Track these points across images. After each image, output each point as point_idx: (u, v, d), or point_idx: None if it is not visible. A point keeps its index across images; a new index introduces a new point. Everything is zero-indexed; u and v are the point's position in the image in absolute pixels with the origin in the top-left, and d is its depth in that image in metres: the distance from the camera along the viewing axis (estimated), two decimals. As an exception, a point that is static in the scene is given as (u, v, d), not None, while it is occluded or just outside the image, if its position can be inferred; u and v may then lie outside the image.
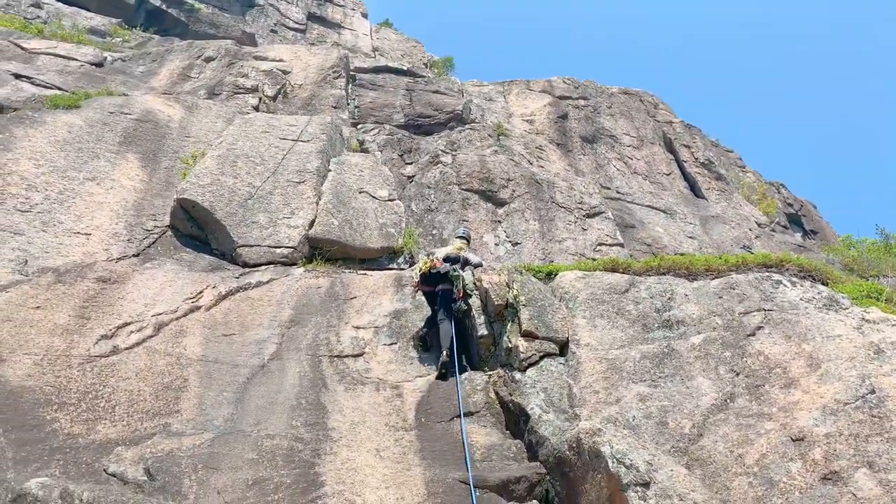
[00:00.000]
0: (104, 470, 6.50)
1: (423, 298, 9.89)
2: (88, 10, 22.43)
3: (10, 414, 6.81)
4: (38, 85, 13.91)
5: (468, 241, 11.07)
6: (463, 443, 7.58)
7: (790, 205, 23.78)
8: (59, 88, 14.17)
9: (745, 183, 23.08)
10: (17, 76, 13.86)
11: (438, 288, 9.59)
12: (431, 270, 9.66)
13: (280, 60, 19.54)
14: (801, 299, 8.98)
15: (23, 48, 16.06)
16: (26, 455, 6.44)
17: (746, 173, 24.43)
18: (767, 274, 9.68)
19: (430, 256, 9.98)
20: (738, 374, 7.91)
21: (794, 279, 9.58)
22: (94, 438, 6.85)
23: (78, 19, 20.86)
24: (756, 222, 19.50)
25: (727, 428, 7.26)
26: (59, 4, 21.62)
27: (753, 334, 8.40)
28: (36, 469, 6.30)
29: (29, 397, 7.08)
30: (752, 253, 15.23)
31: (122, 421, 7.15)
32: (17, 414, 6.84)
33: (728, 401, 7.59)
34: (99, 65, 16.90)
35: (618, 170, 19.51)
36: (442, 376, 8.85)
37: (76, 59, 16.44)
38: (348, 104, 18.62)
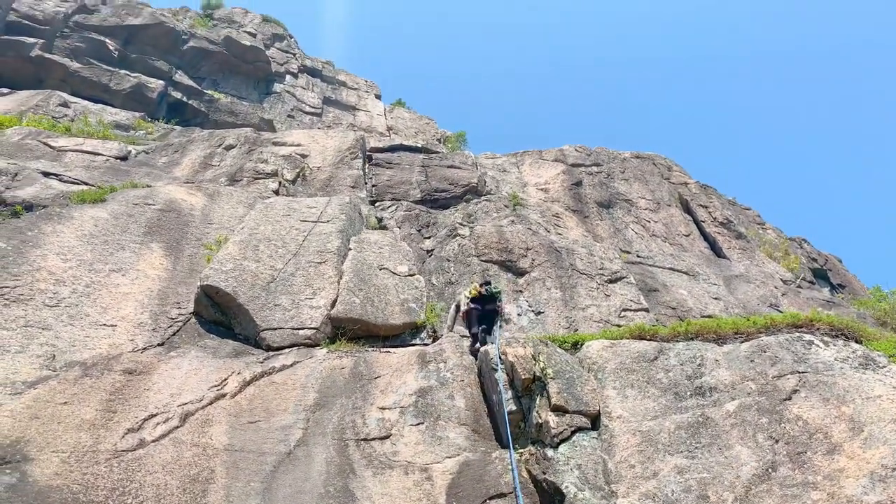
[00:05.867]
0: (131, 571, 6.35)
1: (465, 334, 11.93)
2: (113, 105, 23.37)
3: (37, 515, 6.73)
4: (65, 181, 14.35)
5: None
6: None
7: (814, 259, 23.50)
8: (86, 183, 14.60)
9: (767, 240, 22.92)
10: (46, 174, 14.32)
11: (487, 307, 11.94)
12: (482, 293, 12.12)
13: (298, 145, 20.09)
14: (835, 359, 8.75)
15: (51, 146, 16.66)
16: (53, 558, 6.32)
17: (766, 230, 24.30)
18: (798, 334, 9.49)
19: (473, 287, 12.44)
20: (777, 442, 7.64)
21: (827, 338, 9.36)
22: (121, 538, 6.72)
23: (103, 115, 21.69)
24: (781, 279, 19.25)
25: (771, 500, 6.97)
26: (86, 102, 22.54)
27: (790, 398, 8.17)
28: (63, 573, 6.16)
29: (56, 497, 7.00)
30: (779, 311, 15.01)
31: (149, 518, 7.02)
32: (44, 515, 6.75)
33: (770, 470, 7.32)
34: (124, 158, 17.46)
35: (636, 233, 19.51)
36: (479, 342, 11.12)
37: (102, 154, 17.00)
38: (366, 183, 18.97)
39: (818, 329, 9.76)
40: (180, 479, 7.59)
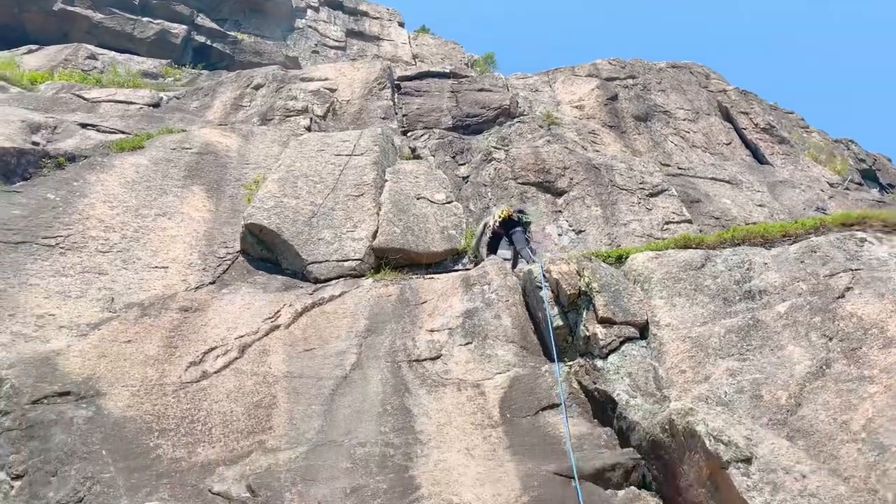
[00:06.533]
0: (209, 490, 6.76)
1: (491, 252, 12.38)
2: (139, 54, 23.31)
3: (116, 444, 7.14)
4: (103, 131, 14.54)
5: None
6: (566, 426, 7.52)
7: (862, 160, 22.68)
8: (123, 132, 14.77)
9: (811, 143, 22.18)
10: (84, 125, 14.51)
11: (511, 230, 12.23)
12: (511, 217, 12.39)
13: (325, 79, 19.90)
14: (889, 255, 8.58)
15: (85, 98, 16.83)
16: (136, 482, 6.74)
17: (811, 134, 23.47)
18: (850, 233, 9.29)
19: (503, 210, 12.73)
20: (831, 339, 7.60)
21: (880, 234, 9.16)
22: (196, 461, 7.11)
23: (130, 65, 21.70)
24: (828, 182, 18.72)
25: (827, 395, 6.99)
26: (113, 53, 22.52)
27: (843, 296, 8.07)
28: (146, 494, 6.59)
29: (131, 427, 7.40)
30: (827, 214, 14.64)
31: (220, 442, 7.39)
32: (122, 443, 7.17)
33: (824, 367, 7.31)
34: (156, 105, 17.56)
35: (675, 145, 19.06)
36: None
37: (135, 103, 17.12)
38: (396, 113, 18.79)
39: (871, 226, 9.54)
40: (244, 406, 7.93)
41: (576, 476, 6.78)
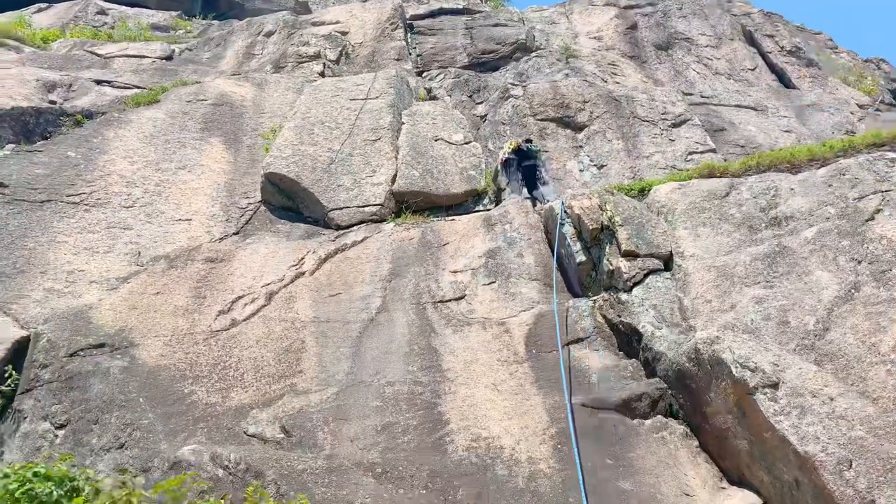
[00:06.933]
0: (244, 432, 6.98)
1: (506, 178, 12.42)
2: (148, 7, 23.07)
3: (152, 392, 7.36)
4: (117, 87, 14.51)
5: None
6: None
7: (894, 80, 21.83)
8: (137, 87, 14.73)
9: (840, 65, 21.36)
10: (98, 82, 14.48)
11: (524, 164, 12.22)
12: (521, 147, 12.47)
13: (337, 22, 19.53)
14: (922, 174, 8.34)
15: (98, 55, 16.74)
16: (174, 426, 6.98)
17: (840, 55, 22.57)
18: (880, 153, 9.03)
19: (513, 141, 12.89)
20: (860, 262, 7.48)
21: (912, 154, 8.89)
22: (230, 405, 7.32)
23: (140, 19, 21.49)
24: (857, 104, 18.08)
25: (855, 318, 6.92)
26: (122, 7, 22.30)
27: (872, 218, 7.91)
28: (184, 438, 6.82)
29: (166, 375, 7.61)
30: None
31: (252, 386, 7.58)
32: (158, 391, 7.39)
33: (853, 291, 7.22)
34: (168, 58, 17.43)
35: (698, 73, 18.50)
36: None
37: (147, 57, 17.01)
38: (410, 54, 18.44)
39: (902, 146, 9.26)
40: (274, 352, 8.10)
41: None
